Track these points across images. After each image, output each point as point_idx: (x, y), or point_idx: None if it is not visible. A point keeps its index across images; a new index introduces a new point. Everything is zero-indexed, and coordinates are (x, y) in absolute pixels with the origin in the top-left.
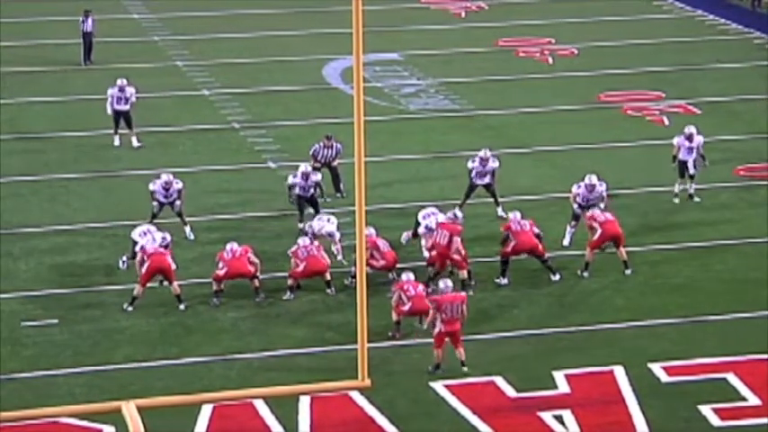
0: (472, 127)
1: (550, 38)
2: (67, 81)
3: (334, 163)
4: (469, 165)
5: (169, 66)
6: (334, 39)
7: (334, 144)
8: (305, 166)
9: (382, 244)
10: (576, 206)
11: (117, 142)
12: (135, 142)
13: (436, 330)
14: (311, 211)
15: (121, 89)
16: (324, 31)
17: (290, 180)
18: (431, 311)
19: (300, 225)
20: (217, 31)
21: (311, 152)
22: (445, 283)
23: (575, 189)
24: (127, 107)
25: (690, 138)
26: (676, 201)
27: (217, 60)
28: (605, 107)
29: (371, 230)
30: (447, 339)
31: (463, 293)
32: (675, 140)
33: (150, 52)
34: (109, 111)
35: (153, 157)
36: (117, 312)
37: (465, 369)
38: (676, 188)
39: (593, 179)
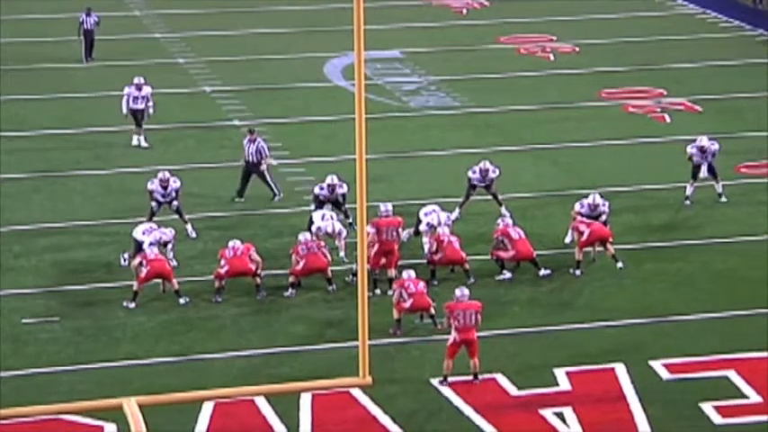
0: (473, 124)
1: (551, 35)
2: (69, 78)
3: (261, 167)
4: (469, 174)
5: (170, 63)
6: (335, 36)
7: (257, 139)
8: (331, 178)
9: None
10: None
11: (135, 141)
12: (136, 141)
13: (450, 340)
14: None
15: (139, 87)
16: (325, 28)
17: (316, 191)
18: (445, 319)
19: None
20: (218, 29)
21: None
22: (461, 291)
23: (577, 207)
24: (142, 106)
25: (702, 149)
26: (687, 203)
27: (218, 57)
28: (606, 105)
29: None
30: (462, 349)
31: (478, 302)
32: (688, 149)
33: (151, 49)
34: (124, 110)
35: (155, 155)
36: (118, 309)
37: (476, 380)
38: (688, 190)
39: (597, 198)
